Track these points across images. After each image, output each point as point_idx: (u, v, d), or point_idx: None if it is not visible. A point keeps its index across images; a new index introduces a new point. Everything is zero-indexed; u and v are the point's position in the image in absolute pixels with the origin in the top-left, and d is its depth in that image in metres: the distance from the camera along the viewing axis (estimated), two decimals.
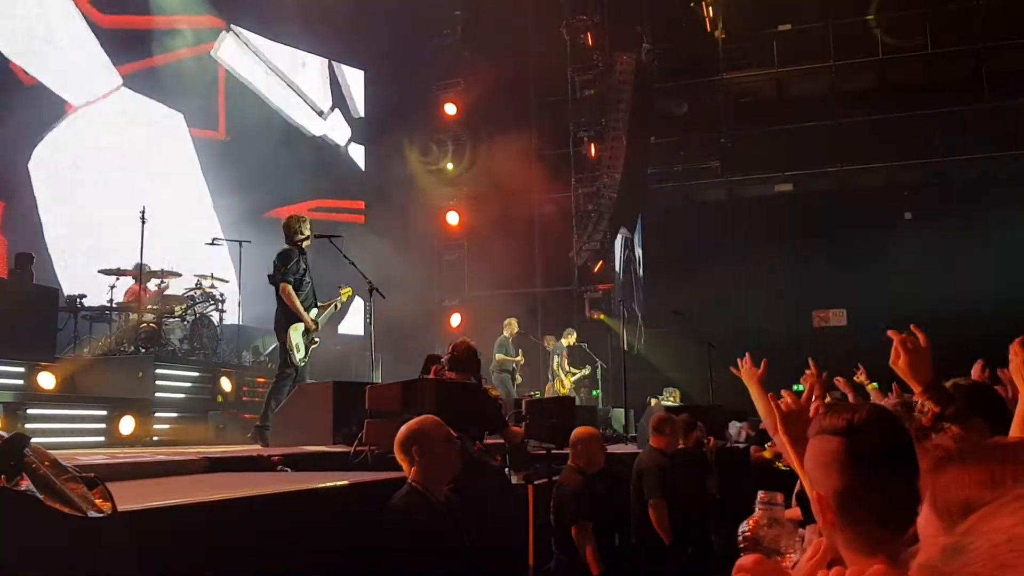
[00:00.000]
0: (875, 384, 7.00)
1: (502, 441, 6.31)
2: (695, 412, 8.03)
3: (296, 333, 7.47)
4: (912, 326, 2.34)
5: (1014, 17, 15.71)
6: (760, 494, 2.10)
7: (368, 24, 14.67)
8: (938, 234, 15.64)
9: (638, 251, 17.58)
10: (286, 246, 7.60)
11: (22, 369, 7.46)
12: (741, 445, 9.25)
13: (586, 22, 16.36)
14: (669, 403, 13.43)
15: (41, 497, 2.32)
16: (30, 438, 2.44)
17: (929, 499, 1.07)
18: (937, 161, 17.25)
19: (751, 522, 2.05)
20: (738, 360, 3.57)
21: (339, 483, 3.89)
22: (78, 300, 9.46)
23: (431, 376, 6.88)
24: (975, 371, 4.43)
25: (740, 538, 1.99)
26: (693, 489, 6.63)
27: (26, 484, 2.35)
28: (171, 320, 9.75)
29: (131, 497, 2.79)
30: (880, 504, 1.56)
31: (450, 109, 16.55)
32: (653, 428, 6.67)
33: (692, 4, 17.40)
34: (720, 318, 15.46)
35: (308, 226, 7.73)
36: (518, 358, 13.28)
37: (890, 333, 2.34)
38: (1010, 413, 2.48)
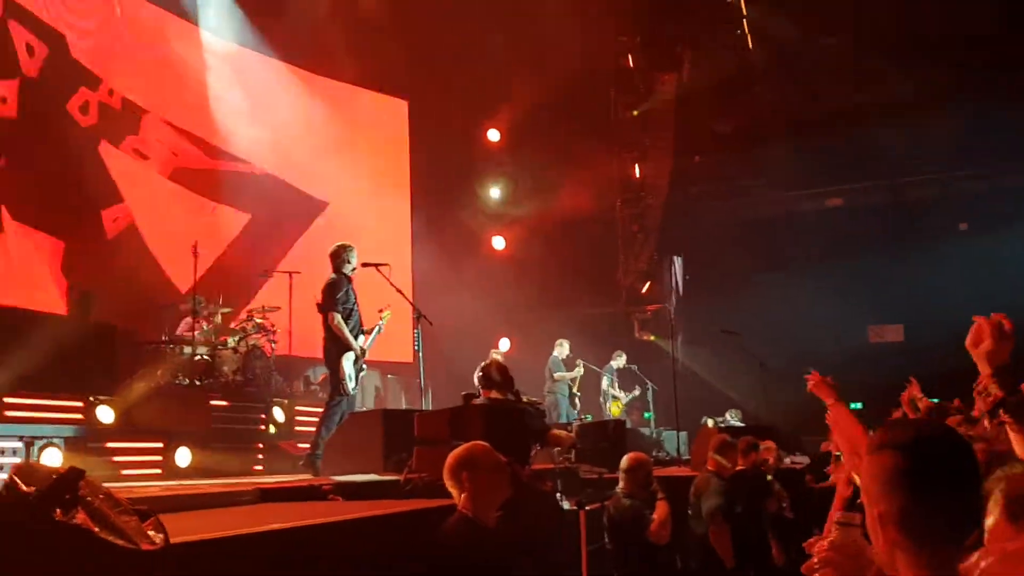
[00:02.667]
0: (935, 400, 6.83)
1: (552, 466, 6.28)
2: (754, 433, 7.93)
3: (347, 362, 7.52)
4: (996, 315, 2.27)
5: None
6: (837, 514, 2.07)
7: (409, 52, 14.84)
8: (994, 244, 15.28)
9: (680, 271, 17.44)
10: (333, 276, 7.66)
11: (81, 404, 7.62)
12: (799, 467, 9.10)
13: (627, 43, 16.38)
14: (736, 423, 13.27)
15: (95, 530, 2.36)
16: (84, 472, 2.48)
17: (999, 501, 1.03)
18: (990, 170, 16.87)
19: (826, 542, 2.00)
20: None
21: (390, 512, 3.90)
22: (135, 334, 9.65)
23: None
24: None
25: (815, 559, 1.95)
26: (753, 511, 6.53)
27: (81, 518, 2.40)
28: (224, 352, 9.91)
29: (184, 529, 2.83)
30: (943, 522, 1.53)
31: (493, 135, 16.65)
32: (713, 451, 6.62)
33: (733, 27, 17.27)
34: (774, 336, 15.24)
35: (355, 254, 7.79)
36: (576, 372, 13.27)
37: (976, 318, 2.28)
38: None
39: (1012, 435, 2.22)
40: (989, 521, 1.06)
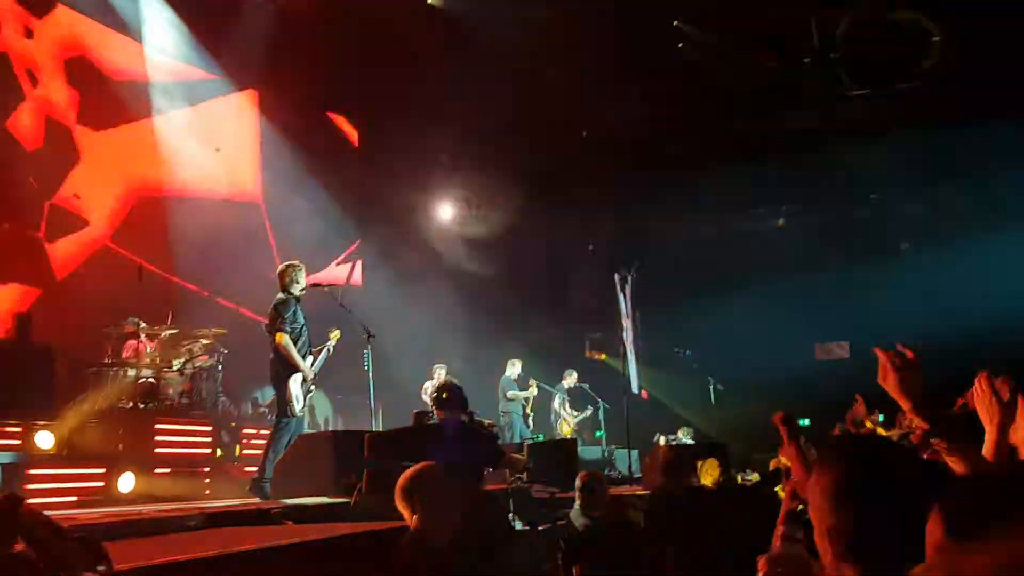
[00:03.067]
0: (880, 417, 6.96)
1: (505, 486, 6.25)
2: (705, 451, 7.98)
3: (295, 384, 7.43)
4: (898, 344, 2.31)
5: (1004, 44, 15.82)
6: (780, 527, 2.09)
7: (360, 73, 14.80)
8: (936, 263, 15.66)
9: (631, 290, 17.59)
10: (281, 295, 7.58)
11: (19, 429, 7.39)
12: (749, 484, 9.19)
13: (576, 65, 16.52)
14: (687, 441, 13.39)
15: (35, 559, 2.29)
16: (24, 499, 2.41)
17: (939, 518, 1.06)
18: (931, 190, 17.31)
19: (770, 556, 2.02)
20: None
21: (340, 534, 3.84)
22: (76, 357, 9.41)
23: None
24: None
25: (760, 574, 1.96)
26: (705, 528, 6.56)
27: (20, 546, 2.32)
28: (169, 374, 9.71)
29: (129, 556, 2.75)
30: (889, 536, 1.54)
31: (443, 157, 16.67)
32: (663, 468, 6.64)
33: (680, 49, 17.57)
34: (723, 354, 15.40)
35: (303, 274, 7.71)
36: (529, 391, 13.28)
37: (876, 350, 2.32)
38: None
39: (949, 460, 2.26)
40: (928, 533, 1.09)
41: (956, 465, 2.24)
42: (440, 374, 12.19)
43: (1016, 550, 0.90)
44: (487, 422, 7.70)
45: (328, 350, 7.94)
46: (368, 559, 3.75)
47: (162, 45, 12.68)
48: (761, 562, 2.03)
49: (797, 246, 17.50)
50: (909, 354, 2.29)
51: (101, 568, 2.40)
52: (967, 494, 1.10)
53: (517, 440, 11.97)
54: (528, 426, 13.23)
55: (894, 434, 4.78)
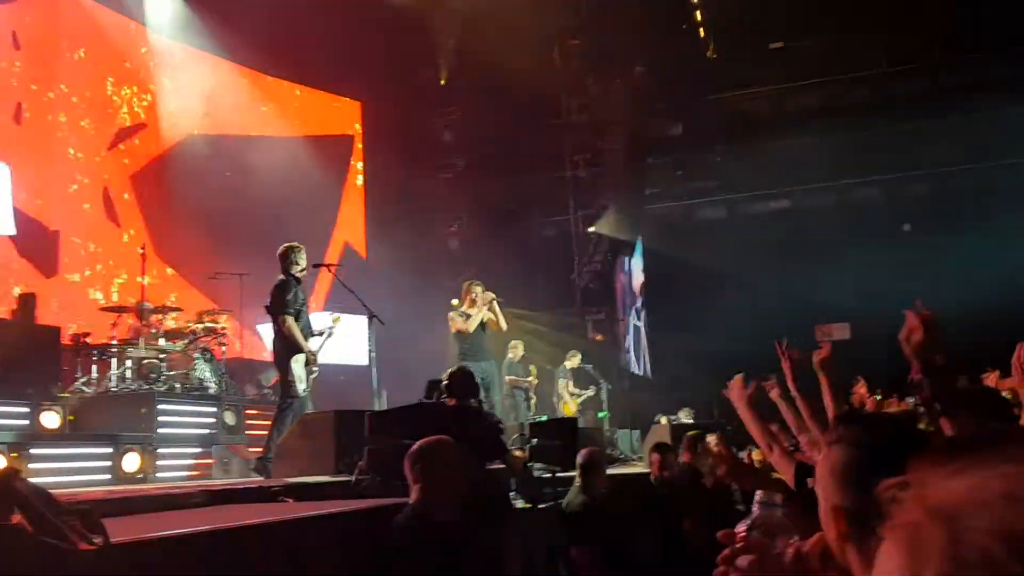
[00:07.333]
0: (878, 396, 7.00)
1: (505, 465, 6.29)
2: (701, 431, 8.01)
3: (298, 365, 7.47)
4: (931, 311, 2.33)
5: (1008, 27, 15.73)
6: (757, 494, 2.11)
7: (362, 56, 14.78)
8: (938, 244, 15.62)
9: (638, 272, 17.59)
10: (282, 277, 7.60)
11: (26, 409, 7.45)
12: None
13: (578, 47, 16.46)
14: (687, 421, 13.42)
15: (31, 531, 2.32)
16: (20, 472, 2.44)
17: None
18: (934, 173, 17.24)
19: (748, 522, 2.05)
20: (727, 383, 3.56)
21: (337, 510, 3.87)
22: (80, 338, 9.46)
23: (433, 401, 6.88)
24: (991, 380, 4.43)
25: (737, 539, 1.98)
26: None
27: (17, 518, 2.35)
28: (173, 355, 9.74)
29: (127, 530, 2.79)
30: None
31: (447, 136, 16.66)
32: (685, 446, 6.72)
33: (684, 27, 17.51)
34: (723, 335, 15.39)
35: (304, 256, 7.73)
36: (531, 378, 13.28)
37: (917, 303, 2.33)
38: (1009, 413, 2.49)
39: (945, 426, 2.29)
40: None
41: (946, 429, 2.26)
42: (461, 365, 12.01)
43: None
44: (494, 417, 7.71)
45: (329, 334, 7.96)
46: (366, 536, 3.78)
47: (164, 26, 12.70)
48: (740, 527, 2.05)
49: (799, 228, 17.47)
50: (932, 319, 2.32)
51: (97, 540, 2.43)
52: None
53: (520, 422, 11.99)
54: (530, 409, 13.24)
55: (893, 411, 4.80)
